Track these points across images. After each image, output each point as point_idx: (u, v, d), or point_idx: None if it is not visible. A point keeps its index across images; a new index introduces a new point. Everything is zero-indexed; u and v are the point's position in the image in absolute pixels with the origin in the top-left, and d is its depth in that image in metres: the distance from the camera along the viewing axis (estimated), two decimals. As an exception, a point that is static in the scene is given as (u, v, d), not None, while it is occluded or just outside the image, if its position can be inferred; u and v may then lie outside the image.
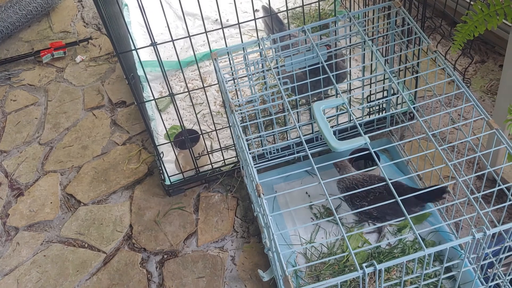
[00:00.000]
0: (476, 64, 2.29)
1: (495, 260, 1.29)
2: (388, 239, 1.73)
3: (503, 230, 1.14)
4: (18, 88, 2.69)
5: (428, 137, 1.30)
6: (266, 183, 1.92)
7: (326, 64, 1.51)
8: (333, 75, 1.50)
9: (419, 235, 1.40)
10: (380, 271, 1.10)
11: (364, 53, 1.79)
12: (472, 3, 1.98)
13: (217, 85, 2.16)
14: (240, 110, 1.66)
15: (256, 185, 1.25)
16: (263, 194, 1.24)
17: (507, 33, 1.60)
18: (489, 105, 2.11)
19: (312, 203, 1.33)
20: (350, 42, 1.81)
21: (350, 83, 1.95)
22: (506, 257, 1.43)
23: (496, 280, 1.40)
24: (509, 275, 1.36)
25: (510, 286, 1.41)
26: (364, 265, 1.09)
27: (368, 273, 1.09)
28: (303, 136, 1.60)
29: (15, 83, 2.72)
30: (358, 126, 1.34)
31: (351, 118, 1.96)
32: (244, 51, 1.64)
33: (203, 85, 1.79)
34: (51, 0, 3.07)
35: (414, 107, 1.90)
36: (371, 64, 2.08)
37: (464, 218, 1.24)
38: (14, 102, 2.61)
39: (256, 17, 1.71)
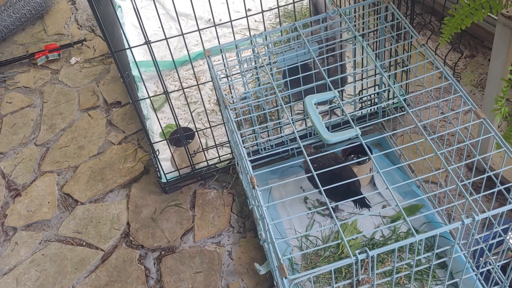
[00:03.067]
0: (466, 59, 2.33)
1: (485, 246, 1.33)
2: (381, 230, 1.76)
3: (491, 216, 1.16)
4: (14, 90, 2.71)
5: (419, 131, 1.33)
6: (261, 178, 1.94)
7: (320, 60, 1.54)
8: (324, 70, 1.53)
9: (411, 224, 1.42)
10: (372, 258, 1.13)
11: (355, 48, 1.82)
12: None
13: (211, 82, 2.19)
14: (234, 106, 1.68)
15: (251, 177, 1.28)
16: (257, 186, 1.27)
17: (495, 27, 1.64)
18: (479, 98, 2.14)
19: (306, 193, 1.35)
20: (341, 38, 1.84)
21: (341, 77, 1.97)
22: (497, 246, 1.46)
23: (487, 266, 1.43)
24: (499, 262, 1.39)
25: (500, 272, 1.44)
26: (357, 252, 1.11)
27: (361, 260, 1.12)
28: (297, 131, 1.63)
29: (10, 85, 2.74)
30: (350, 119, 1.37)
31: (343, 113, 1.99)
32: (237, 48, 1.66)
33: (197, 83, 1.82)
34: (44, 3, 3.09)
35: (404, 100, 1.93)
36: (362, 58, 2.11)
37: (454, 205, 1.27)
38: (9, 104, 2.63)
39: (248, 15, 1.74)
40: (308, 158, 1.26)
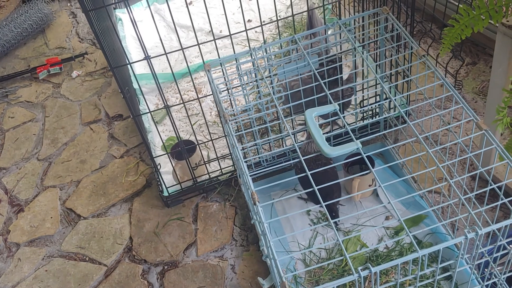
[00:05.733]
0: (467, 66, 2.32)
1: (490, 259, 1.31)
2: (385, 242, 1.75)
3: (496, 229, 1.15)
4: (16, 105, 2.71)
5: (421, 141, 1.32)
6: (263, 191, 1.94)
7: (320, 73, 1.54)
8: (325, 84, 1.52)
9: (414, 237, 1.41)
10: (375, 273, 1.12)
11: (355, 59, 1.81)
12: (460, 5, 2.01)
13: (212, 95, 2.18)
14: (235, 119, 1.68)
15: (252, 193, 1.27)
16: (258, 202, 1.26)
17: (496, 34, 1.63)
18: (481, 106, 2.13)
19: (309, 208, 1.34)
20: (341, 49, 1.84)
21: (342, 89, 1.97)
22: (502, 256, 1.45)
23: (493, 279, 1.42)
24: (504, 274, 1.38)
25: (506, 285, 1.42)
26: (359, 268, 1.10)
27: (364, 276, 1.11)
28: (297, 143, 1.63)
29: (12, 100, 2.74)
30: (350, 132, 1.36)
31: (345, 126, 1.98)
32: (236, 62, 1.66)
33: (197, 96, 1.82)
34: (46, 17, 3.10)
35: (406, 111, 1.92)
36: (363, 69, 2.11)
37: (459, 218, 1.26)
38: (12, 119, 2.64)
39: (247, 28, 1.74)
40: (306, 166, 1.25)
